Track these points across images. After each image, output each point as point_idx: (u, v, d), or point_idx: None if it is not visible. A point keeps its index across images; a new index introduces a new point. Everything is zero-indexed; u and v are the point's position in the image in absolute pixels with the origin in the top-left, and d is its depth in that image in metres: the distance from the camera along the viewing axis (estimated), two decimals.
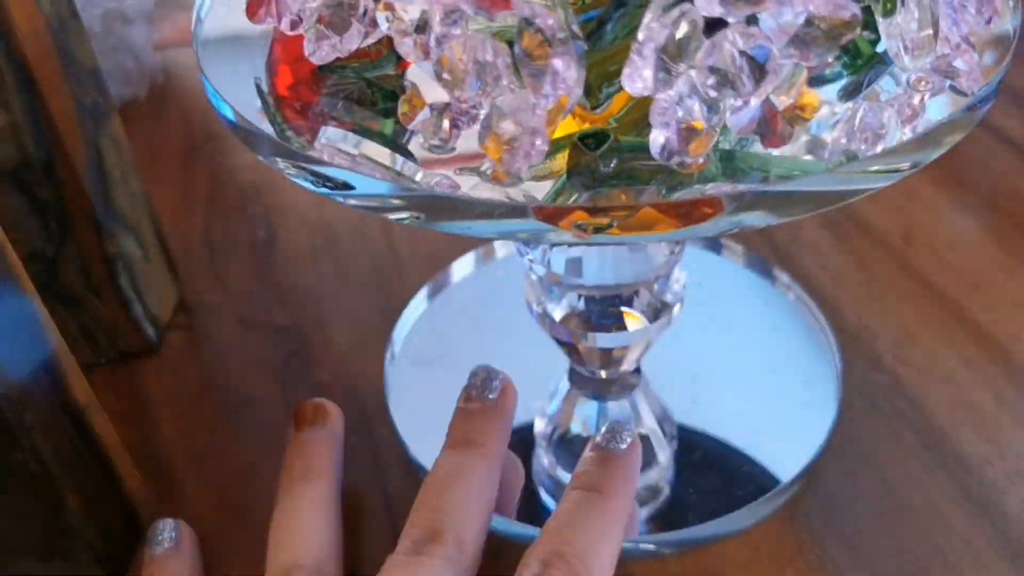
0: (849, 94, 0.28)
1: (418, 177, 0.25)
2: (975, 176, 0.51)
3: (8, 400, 0.29)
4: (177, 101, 0.64)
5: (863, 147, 0.25)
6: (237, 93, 0.28)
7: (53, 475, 0.31)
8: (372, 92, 0.26)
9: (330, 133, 0.26)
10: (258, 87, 0.30)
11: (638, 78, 0.19)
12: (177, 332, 0.46)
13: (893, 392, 0.40)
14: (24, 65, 0.35)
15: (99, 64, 0.40)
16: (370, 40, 0.24)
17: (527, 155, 0.21)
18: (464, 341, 0.45)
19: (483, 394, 0.34)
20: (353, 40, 0.23)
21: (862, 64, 0.27)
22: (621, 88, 0.22)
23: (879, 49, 0.26)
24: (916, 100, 0.24)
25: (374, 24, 0.24)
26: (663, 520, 0.37)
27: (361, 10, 0.23)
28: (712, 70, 0.20)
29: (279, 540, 0.32)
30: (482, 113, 0.21)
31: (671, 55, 0.19)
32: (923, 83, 0.24)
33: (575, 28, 0.20)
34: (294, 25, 0.24)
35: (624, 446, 0.32)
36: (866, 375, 0.40)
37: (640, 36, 0.19)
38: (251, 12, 0.24)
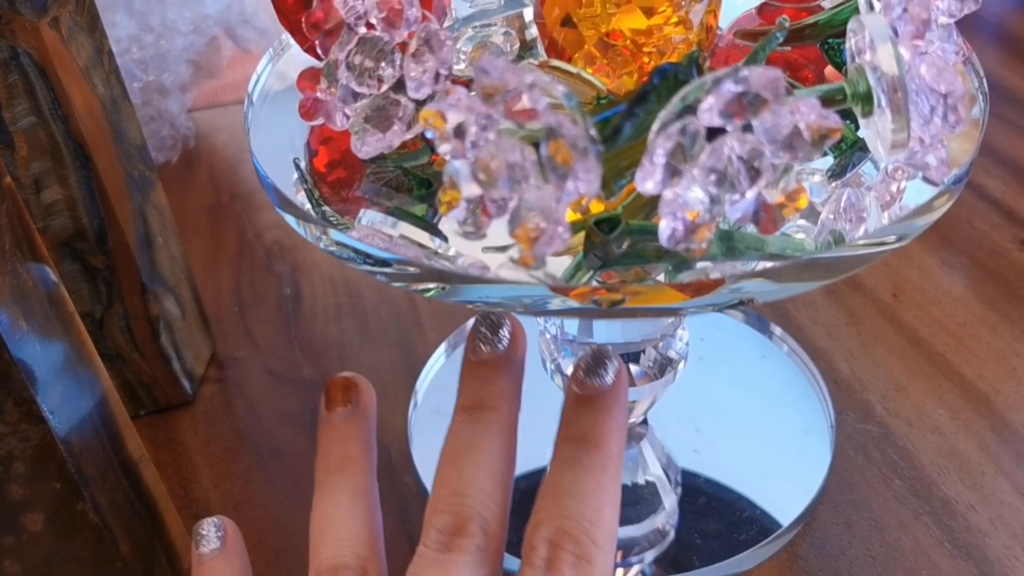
0: (836, 174, 0.31)
1: (450, 252, 0.28)
2: (960, 234, 0.54)
3: (72, 454, 0.31)
4: (206, 161, 0.67)
5: (847, 226, 0.28)
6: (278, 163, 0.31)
7: (109, 524, 0.34)
8: (408, 179, 0.29)
9: (370, 215, 0.29)
10: (297, 166, 0.33)
11: (649, 181, 0.22)
12: (211, 385, 0.48)
13: (884, 442, 0.42)
14: (82, 145, 0.38)
15: (144, 140, 0.43)
16: (408, 136, 0.27)
17: (551, 243, 0.23)
18: None
19: (493, 344, 0.32)
20: (396, 137, 0.26)
21: (847, 148, 0.30)
22: (631, 180, 0.24)
23: (861, 134, 0.29)
24: (894, 187, 0.27)
25: (413, 122, 0.27)
26: (669, 563, 0.40)
27: (402, 112, 0.26)
28: (713, 170, 0.22)
29: (321, 537, 0.31)
30: (511, 205, 0.24)
31: (677, 160, 0.22)
32: (900, 172, 0.27)
33: (593, 134, 0.23)
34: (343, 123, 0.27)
35: (609, 379, 0.30)
36: (858, 425, 0.43)
37: (650, 145, 0.22)
38: (305, 114, 0.27)
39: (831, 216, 0.29)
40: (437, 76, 0.26)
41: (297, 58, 0.33)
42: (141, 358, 0.44)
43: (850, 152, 0.30)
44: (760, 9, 0.37)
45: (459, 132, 0.23)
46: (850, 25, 0.26)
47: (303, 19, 0.27)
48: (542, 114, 0.22)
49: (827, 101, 0.26)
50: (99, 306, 0.42)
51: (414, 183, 0.29)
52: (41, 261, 0.29)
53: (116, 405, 0.34)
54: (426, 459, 0.44)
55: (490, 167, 0.23)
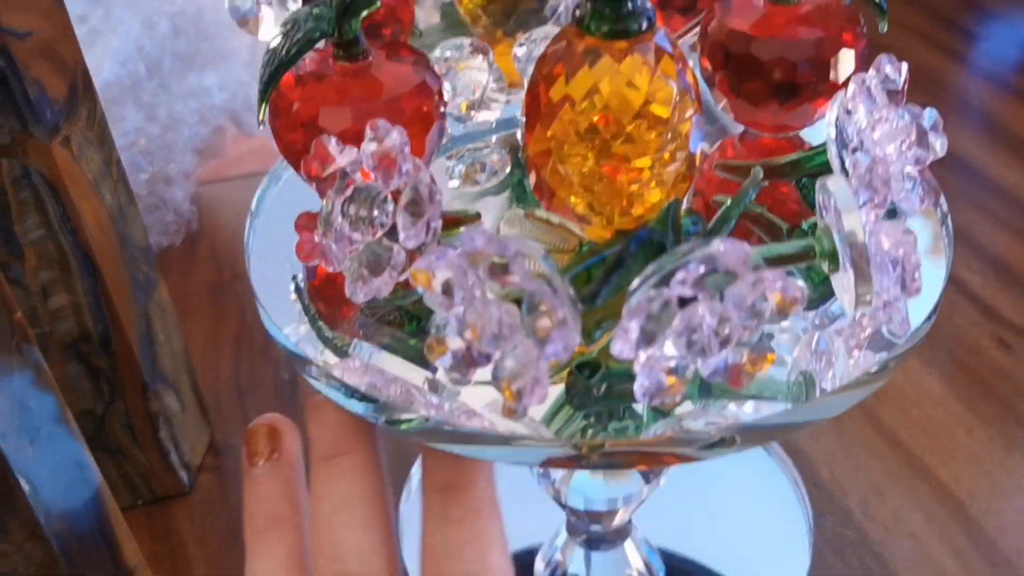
0: (810, 305, 0.32)
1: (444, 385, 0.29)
2: (940, 331, 0.55)
3: (73, 566, 0.33)
4: (208, 238, 0.68)
5: (818, 367, 0.30)
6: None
7: None
8: (401, 315, 0.30)
9: (364, 348, 0.30)
10: (296, 284, 0.35)
11: (625, 346, 0.23)
12: (208, 474, 0.49)
13: (861, 548, 0.43)
14: (89, 255, 0.39)
15: (149, 240, 0.44)
16: (400, 278, 0.28)
17: (532, 396, 0.25)
18: None
19: None
20: (387, 285, 0.27)
21: (819, 283, 0.32)
22: (610, 328, 0.26)
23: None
24: (862, 334, 0.28)
25: (404, 268, 0.28)
26: None
27: (394, 259, 0.28)
28: (684, 335, 0.24)
29: None
30: (495, 357, 0.25)
31: (650, 327, 0.23)
32: (866, 320, 0.28)
33: (572, 295, 0.24)
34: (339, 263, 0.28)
35: None
36: (836, 530, 0.44)
37: (625, 314, 0.23)
38: (303, 256, 0.29)
39: (801, 359, 0.30)
40: (428, 227, 0.27)
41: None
42: (140, 452, 0.45)
43: (823, 286, 0.32)
44: (741, 137, 0.38)
45: (447, 289, 0.25)
46: (819, 184, 0.27)
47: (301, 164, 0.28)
48: (524, 282, 0.24)
49: (797, 257, 0.27)
50: (101, 404, 0.43)
51: (406, 317, 0.30)
52: (49, 391, 0.30)
53: (115, 515, 0.35)
54: (416, 545, 0.45)
55: (475, 326, 0.24)
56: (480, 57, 0.39)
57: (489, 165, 0.39)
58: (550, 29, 0.39)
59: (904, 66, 0.30)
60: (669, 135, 0.28)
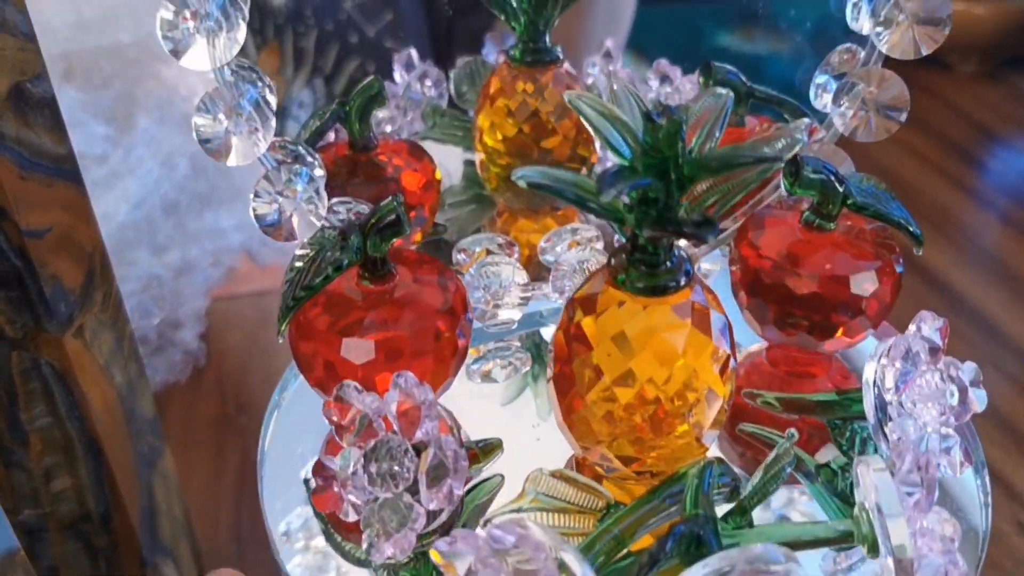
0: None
1: None
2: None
3: None
4: (215, 364, 0.67)
5: None
6: None
7: None
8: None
9: None
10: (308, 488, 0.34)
11: None
12: None
13: None
14: (95, 438, 0.38)
15: (157, 412, 0.43)
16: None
17: None
18: None
19: None
20: (407, 546, 0.26)
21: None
22: None
23: None
24: None
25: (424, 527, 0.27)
26: None
27: (415, 518, 0.26)
28: None
29: None
30: None
31: None
32: None
33: None
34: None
35: None
36: None
37: None
38: (320, 504, 0.27)
39: None
40: (451, 494, 0.26)
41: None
42: None
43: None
44: (769, 351, 0.37)
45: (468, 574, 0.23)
46: (859, 466, 0.26)
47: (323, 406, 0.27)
48: None
49: (835, 540, 0.26)
50: None
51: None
52: None
53: None
54: None
55: None
56: (507, 255, 0.38)
57: (511, 364, 0.39)
58: (580, 235, 0.38)
59: (944, 323, 0.29)
60: (707, 395, 0.27)
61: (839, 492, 0.33)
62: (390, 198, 0.30)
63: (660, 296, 0.27)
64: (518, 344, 0.40)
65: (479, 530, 0.25)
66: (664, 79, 0.49)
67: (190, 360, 0.59)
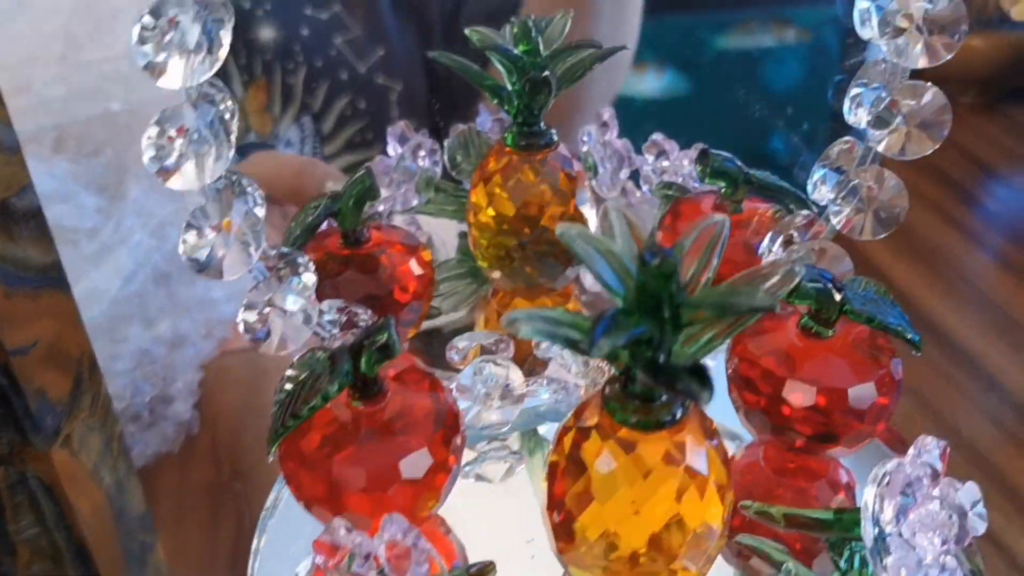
0: None
1: None
2: None
3: None
4: (210, 426, 0.66)
5: None
6: None
7: None
8: None
9: None
10: None
11: None
12: None
13: None
14: (83, 545, 0.37)
15: (147, 507, 0.42)
16: None
17: None
18: None
19: None
20: None
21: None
22: None
23: None
24: None
25: None
26: None
27: None
28: None
29: None
30: None
31: None
32: None
33: None
34: None
35: None
36: None
37: None
38: None
39: None
40: None
41: None
42: None
43: None
44: (765, 450, 0.37)
45: None
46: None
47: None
48: None
49: None
50: None
51: None
52: None
53: None
54: None
55: None
56: (502, 353, 0.37)
57: (506, 464, 0.38)
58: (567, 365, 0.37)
59: (944, 446, 0.29)
60: (706, 531, 0.27)
61: None
62: (382, 320, 0.30)
63: (655, 432, 0.26)
64: (514, 443, 0.39)
65: None
66: (660, 154, 0.49)
67: (183, 430, 0.59)
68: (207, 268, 0.32)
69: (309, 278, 0.34)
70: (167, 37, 0.28)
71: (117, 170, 0.56)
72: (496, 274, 0.46)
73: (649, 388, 0.26)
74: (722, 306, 0.24)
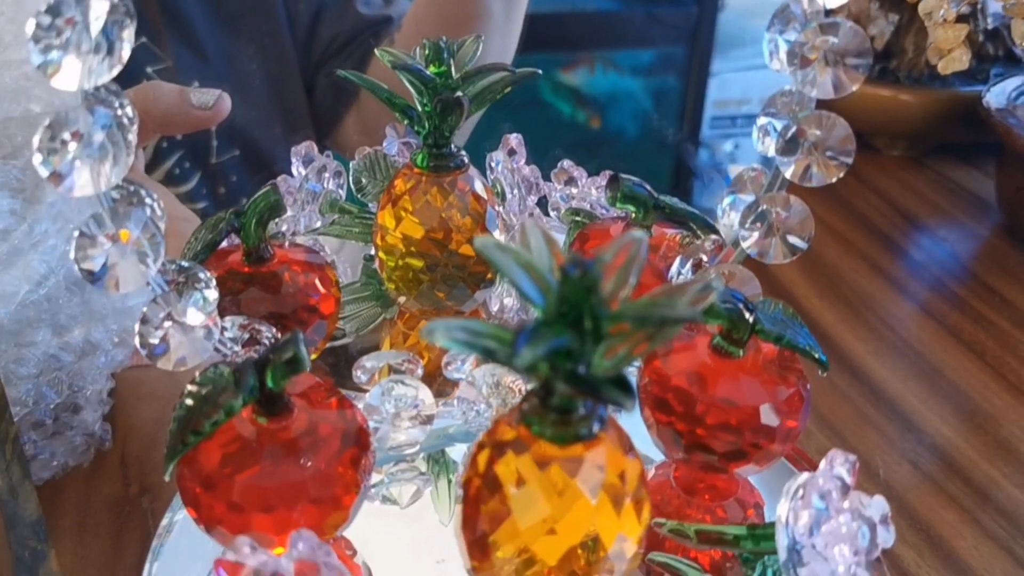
0: None
1: None
2: None
3: None
4: (120, 441, 0.62)
5: None
6: None
7: None
8: None
9: None
10: None
11: None
12: None
13: None
14: None
15: (40, 513, 0.40)
16: None
17: None
18: None
19: None
20: None
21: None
22: None
23: None
24: None
25: None
26: None
27: None
28: None
29: None
30: None
31: None
32: None
33: None
34: None
35: None
36: None
37: None
38: None
39: None
40: None
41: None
42: None
43: None
44: (676, 468, 0.37)
45: None
46: None
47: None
48: None
49: None
50: None
51: None
52: None
53: None
54: None
55: None
56: (411, 373, 0.36)
57: (414, 486, 0.37)
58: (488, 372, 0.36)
59: (854, 460, 0.29)
60: (623, 544, 0.26)
61: None
62: (289, 334, 0.28)
63: (572, 445, 0.26)
64: (421, 466, 0.38)
65: None
66: (569, 181, 0.49)
67: (92, 443, 0.56)
68: (100, 279, 0.30)
69: (211, 293, 0.33)
70: (63, 36, 0.27)
71: (35, 173, 0.54)
72: (402, 298, 0.46)
73: (568, 401, 0.25)
74: (645, 317, 0.24)
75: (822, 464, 0.29)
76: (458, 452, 0.40)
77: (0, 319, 0.48)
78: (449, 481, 0.40)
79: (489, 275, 0.44)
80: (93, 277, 0.30)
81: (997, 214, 0.83)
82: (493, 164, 0.51)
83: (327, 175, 0.51)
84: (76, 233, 0.31)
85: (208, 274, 0.33)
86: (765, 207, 0.35)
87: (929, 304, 0.76)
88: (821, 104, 0.34)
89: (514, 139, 0.51)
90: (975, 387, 0.64)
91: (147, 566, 0.36)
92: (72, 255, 0.30)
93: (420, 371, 0.37)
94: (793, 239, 0.35)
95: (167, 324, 0.32)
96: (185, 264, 0.33)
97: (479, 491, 0.26)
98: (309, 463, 0.29)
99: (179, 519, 0.37)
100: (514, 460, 0.26)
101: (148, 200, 0.31)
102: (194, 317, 0.32)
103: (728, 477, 0.36)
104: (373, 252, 0.52)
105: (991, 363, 0.66)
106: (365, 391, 0.37)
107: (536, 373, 0.25)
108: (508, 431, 0.27)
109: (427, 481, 0.38)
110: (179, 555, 0.36)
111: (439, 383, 0.39)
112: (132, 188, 0.30)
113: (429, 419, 0.36)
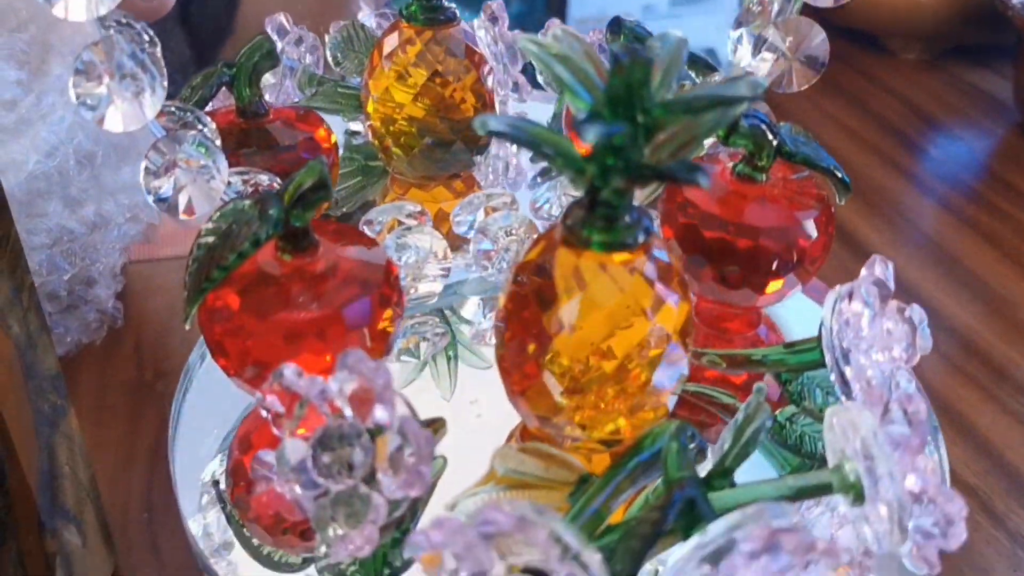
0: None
1: None
2: None
3: None
4: (134, 328, 0.59)
5: None
6: None
7: None
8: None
9: None
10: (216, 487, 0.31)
11: None
12: None
13: None
14: None
15: (60, 369, 0.38)
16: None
17: None
18: None
19: None
20: (370, 543, 0.23)
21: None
22: None
23: None
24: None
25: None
26: None
27: (375, 513, 0.24)
28: None
29: None
30: None
31: None
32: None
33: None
34: None
35: None
36: None
37: None
38: (257, 506, 0.24)
39: None
40: (421, 479, 0.23)
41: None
42: None
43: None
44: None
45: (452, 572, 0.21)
46: (834, 416, 0.25)
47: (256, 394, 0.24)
48: (557, 567, 0.20)
49: (818, 491, 0.25)
50: None
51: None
52: None
53: None
54: None
55: None
56: (422, 225, 0.35)
57: (431, 339, 0.36)
58: (495, 201, 0.35)
59: (891, 267, 0.29)
60: (673, 352, 0.26)
61: (789, 444, 0.32)
62: (314, 160, 0.27)
63: (620, 252, 0.25)
64: (436, 318, 0.37)
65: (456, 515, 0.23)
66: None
67: (105, 320, 0.54)
68: (97, 115, 0.29)
69: (211, 129, 0.31)
70: None
71: (41, 47, 0.52)
72: (396, 167, 0.44)
73: (616, 207, 0.25)
74: (697, 103, 0.23)
75: (863, 271, 0.28)
76: (469, 308, 0.39)
77: (11, 188, 0.47)
78: (448, 358, 0.39)
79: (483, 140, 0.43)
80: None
81: (1014, 114, 0.81)
82: (477, 34, 0.49)
83: (303, 48, 0.49)
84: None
85: (207, 118, 0.31)
86: (777, 33, 0.34)
87: (946, 197, 0.76)
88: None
89: (496, 5, 0.49)
90: (992, 275, 0.64)
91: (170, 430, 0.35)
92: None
93: (429, 222, 0.36)
94: (809, 62, 0.34)
95: (173, 170, 0.31)
96: (179, 105, 0.32)
97: (519, 309, 0.26)
98: (341, 297, 0.27)
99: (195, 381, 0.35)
100: (558, 273, 0.25)
101: (143, 35, 0.29)
102: (199, 161, 0.31)
103: (750, 313, 0.36)
104: (354, 127, 0.51)
105: (1008, 253, 0.66)
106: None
107: (584, 175, 0.24)
108: (548, 246, 0.26)
109: (443, 334, 0.37)
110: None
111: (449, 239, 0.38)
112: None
113: (446, 271, 0.35)
